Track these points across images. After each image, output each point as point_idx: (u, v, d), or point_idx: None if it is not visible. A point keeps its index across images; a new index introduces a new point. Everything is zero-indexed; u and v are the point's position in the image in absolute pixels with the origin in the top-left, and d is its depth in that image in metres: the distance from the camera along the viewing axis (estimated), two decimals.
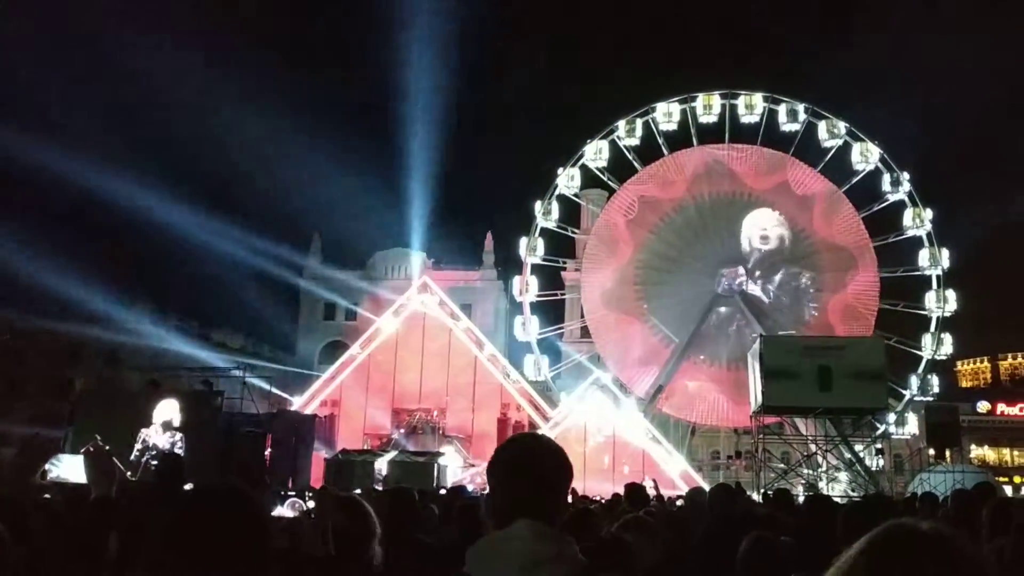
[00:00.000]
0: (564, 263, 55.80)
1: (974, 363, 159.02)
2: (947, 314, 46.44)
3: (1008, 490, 54.61)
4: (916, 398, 46.16)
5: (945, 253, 46.95)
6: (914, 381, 46.02)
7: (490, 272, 70.99)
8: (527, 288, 48.94)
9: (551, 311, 54.65)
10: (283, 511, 11.91)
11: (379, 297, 58.48)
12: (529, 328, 48.61)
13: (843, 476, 40.71)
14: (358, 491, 16.68)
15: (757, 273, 49.30)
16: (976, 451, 68.03)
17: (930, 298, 46.82)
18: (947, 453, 47.19)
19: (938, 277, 46.84)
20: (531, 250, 49.39)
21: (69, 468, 21.40)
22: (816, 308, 48.67)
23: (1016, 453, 69.59)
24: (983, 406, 69.54)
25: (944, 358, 47.32)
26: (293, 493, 12.95)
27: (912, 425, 46.82)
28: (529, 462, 2.75)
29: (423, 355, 43.32)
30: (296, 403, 40.78)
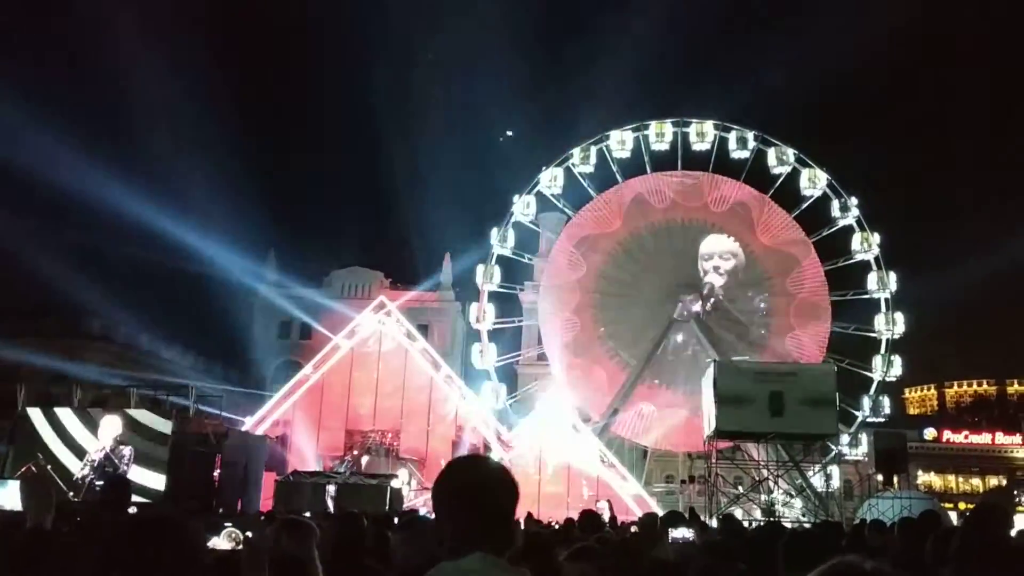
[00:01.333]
0: (521, 288, 56.03)
1: (921, 391, 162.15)
2: (896, 336, 47.46)
3: (954, 516, 55.56)
4: (868, 419, 47.06)
5: (893, 276, 48.08)
6: (866, 402, 46.91)
7: (448, 293, 70.80)
8: (484, 316, 49.00)
9: (509, 331, 54.73)
10: (219, 542, 11.56)
11: (335, 316, 57.94)
12: (487, 356, 48.66)
13: (796, 502, 41.16)
14: (308, 514, 16.44)
15: (712, 298, 49.96)
16: (923, 477, 69.23)
17: (879, 320, 47.91)
18: (895, 479, 48.00)
19: (887, 300, 47.97)
20: (488, 278, 49.52)
21: (6, 494, 20.69)
22: (769, 332, 49.44)
23: (961, 479, 70.96)
24: (930, 433, 70.82)
25: (894, 380, 48.29)
26: (229, 525, 12.55)
27: (865, 445, 47.70)
28: (479, 493, 2.72)
29: (378, 375, 42.96)
30: (247, 423, 40.13)
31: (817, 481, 43.12)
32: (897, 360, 47.58)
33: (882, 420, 47.99)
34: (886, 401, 48.02)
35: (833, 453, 45.48)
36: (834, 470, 46.02)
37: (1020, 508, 49.30)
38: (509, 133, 64.09)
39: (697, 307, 49.46)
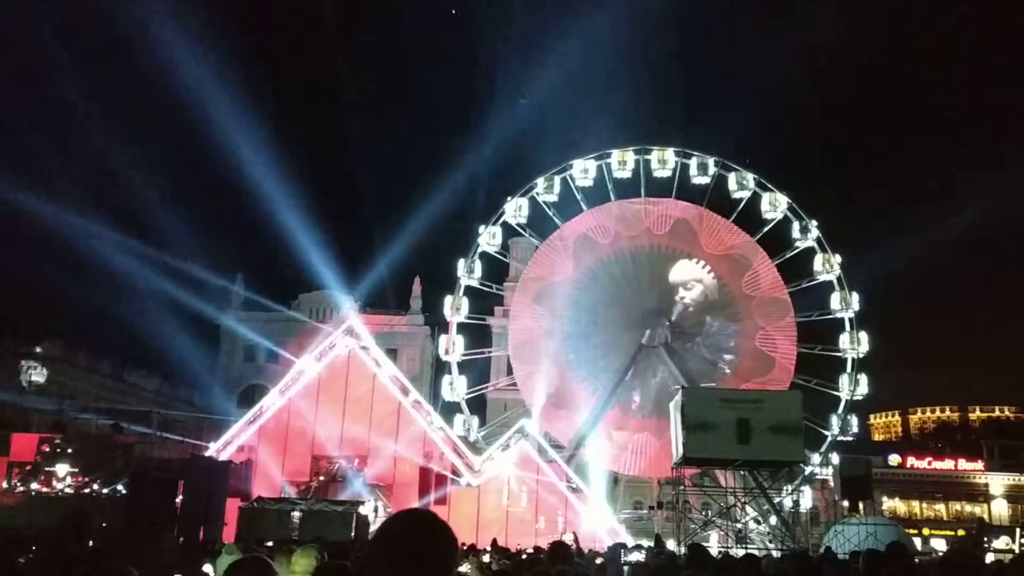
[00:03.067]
0: (487, 319, 56.17)
1: (886, 416, 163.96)
2: (861, 355, 48.12)
3: (918, 542, 56.07)
4: (838, 438, 47.50)
5: (856, 297, 48.82)
6: (835, 422, 47.45)
7: (417, 317, 70.61)
8: (453, 347, 48.86)
9: (478, 341, 54.39)
10: None
11: (303, 339, 57.45)
12: (457, 387, 48.47)
13: (763, 528, 41.34)
14: (269, 543, 16.17)
15: (681, 324, 50.30)
16: (888, 503, 69.75)
17: (844, 340, 48.62)
18: (860, 505, 48.41)
19: (850, 320, 48.73)
20: (455, 309, 49.45)
21: None
22: (739, 357, 49.84)
23: (925, 505, 71.55)
24: (894, 459, 71.43)
25: (861, 398, 48.70)
26: None
27: (834, 466, 48.17)
28: (415, 559, 2.58)
29: (345, 400, 42.50)
30: (211, 448, 39.51)
31: (787, 502, 43.44)
32: (863, 379, 48.18)
33: (851, 439, 48.57)
34: (854, 420, 48.75)
35: (807, 471, 46.06)
36: (806, 490, 46.45)
37: (990, 552, 49.68)
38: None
39: (665, 333, 49.75)
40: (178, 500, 26.23)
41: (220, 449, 39.95)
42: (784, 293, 49.56)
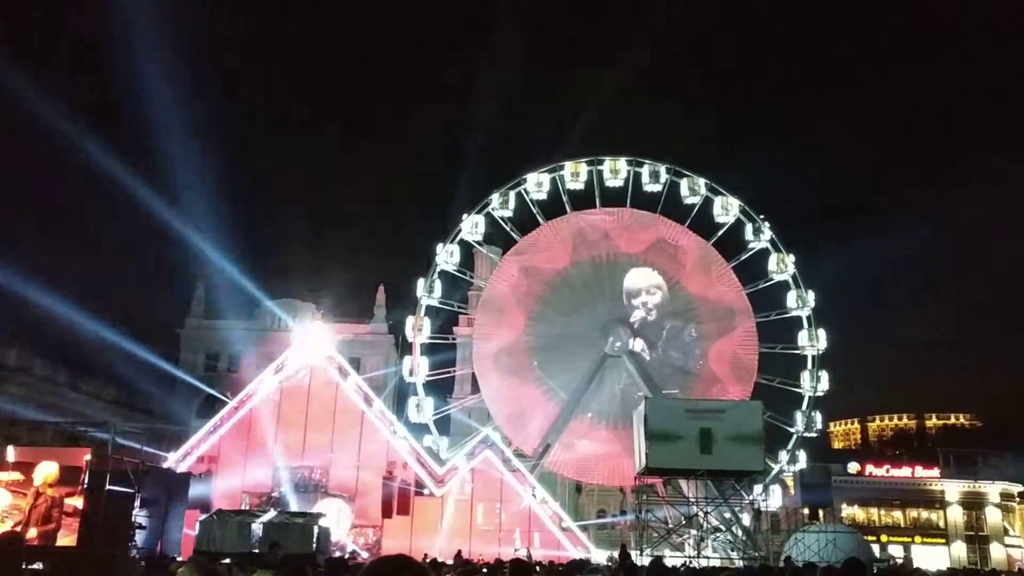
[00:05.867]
0: (453, 338, 55.96)
1: (846, 424, 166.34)
2: (820, 351, 48.93)
3: (876, 549, 56.85)
4: (803, 434, 48.30)
5: (811, 294, 49.61)
6: (799, 418, 48.12)
7: (381, 326, 70.14)
8: (417, 368, 48.64)
9: (441, 353, 54.13)
10: None
11: (265, 348, 56.89)
12: (424, 409, 48.23)
13: (727, 536, 41.62)
14: (227, 561, 15.94)
15: (643, 331, 50.66)
16: (847, 511, 70.70)
17: (803, 337, 49.37)
18: (820, 513, 48.98)
19: (808, 318, 49.43)
20: (417, 329, 49.25)
21: None
22: (701, 360, 50.30)
23: (883, 512, 72.67)
24: (853, 467, 72.51)
25: (823, 394, 49.29)
26: None
27: (802, 462, 48.64)
28: None
29: (308, 410, 42.08)
30: (170, 459, 38.90)
31: (758, 504, 43.83)
32: (824, 375, 48.86)
33: (814, 435, 49.11)
34: (818, 416, 49.23)
35: (775, 470, 46.60)
36: (775, 489, 46.93)
37: None
38: None
39: (628, 340, 50.07)
40: (134, 514, 25.69)
41: (179, 460, 39.37)
42: (742, 294, 50.18)
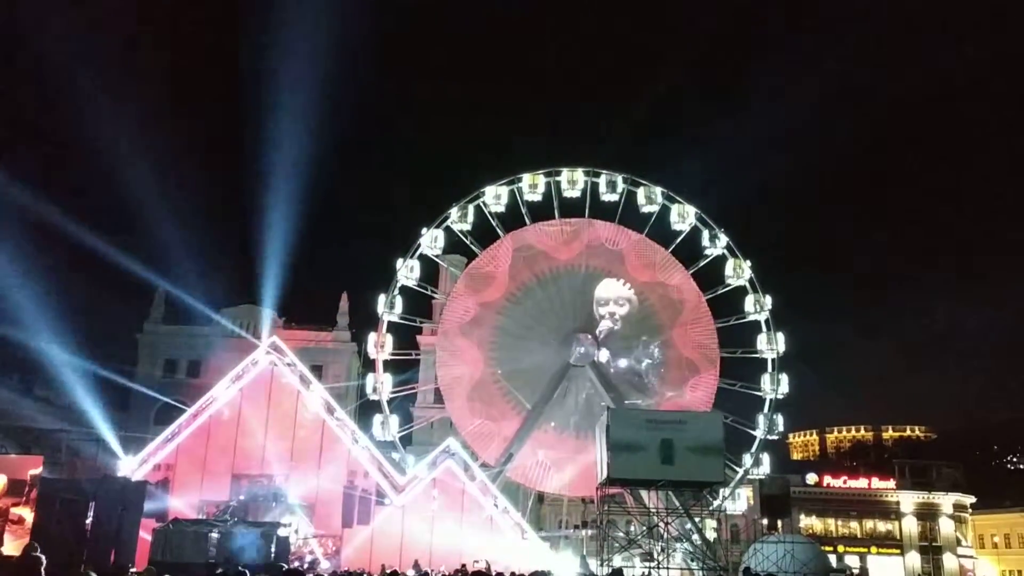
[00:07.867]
0: (417, 355, 55.64)
1: (804, 436, 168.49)
2: (779, 354, 49.49)
3: (833, 559, 57.61)
4: (766, 437, 48.89)
5: (768, 299, 50.23)
6: (761, 421, 48.70)
7: (344, 333, 69.72)
8: (382, 386, 48.30)
9: (406, 371, 53.83)
10: None
11: (224, 354, 56.14)
12: (389, 427, 47.92)
13: (687, 546, 41.86)
14: None
15: (607, 341, 50.88)
16: (805, 521, 71.61)
17: (761, 340, 49.91)
18: (779, 524, 49.54)
19: (766, 321, 49.99)
20: (380, 346, 48.98)
21: None
22: (663, 367, 50.57)
23: (840, 523, 73.68)
24: (811, 478, 73.52)
25: (783, 397, 49.74)
26: None
27: (766, 466, 49.09)
28: None
29: (268, 417, 41.56)
30: (126, 466, 38.17)
31: (721, 510, 44.08)
32: (784, 378, 49.45)
33: (775, 438, 49.64)
34: (780, 419, 49.64)
35: (740, 473, 47.02)
36: (742, 492, 47.23)
37: None
38: None
39: (592, 351, 50.24)
40: (88, 523, 25.14)
41: (135, 468, 38.64)
42: (702, 301, 50.60)
